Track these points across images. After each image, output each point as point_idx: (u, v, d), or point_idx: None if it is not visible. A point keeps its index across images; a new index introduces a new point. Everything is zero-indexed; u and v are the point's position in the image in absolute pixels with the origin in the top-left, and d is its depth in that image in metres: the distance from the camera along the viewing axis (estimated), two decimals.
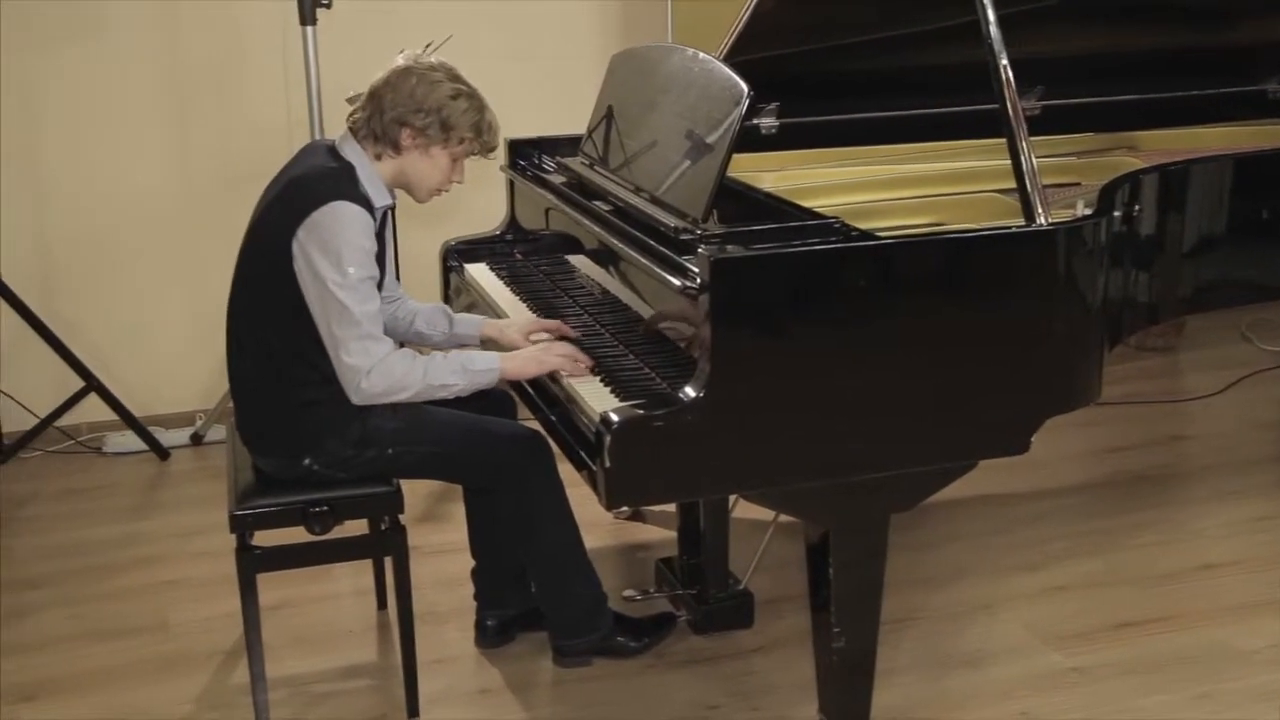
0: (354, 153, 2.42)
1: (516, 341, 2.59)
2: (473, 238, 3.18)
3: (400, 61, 2.42)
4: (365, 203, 2.36)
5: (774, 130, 2.93)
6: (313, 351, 2.36)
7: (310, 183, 2.36)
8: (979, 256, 2.19)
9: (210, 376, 3.95)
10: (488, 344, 2.67)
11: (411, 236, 3.83)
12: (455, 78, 2.42)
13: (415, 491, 3.35)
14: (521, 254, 3.12)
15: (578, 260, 2.75)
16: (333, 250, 2.29)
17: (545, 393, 2.46)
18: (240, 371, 2.48)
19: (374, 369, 2.31)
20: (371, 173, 2.42)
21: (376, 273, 2.36)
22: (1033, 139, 2.30)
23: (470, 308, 3.02)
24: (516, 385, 2.58)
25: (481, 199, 3.63)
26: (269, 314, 2.40)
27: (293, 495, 2.43)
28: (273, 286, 2.36)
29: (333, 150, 2.44)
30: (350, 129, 2.45)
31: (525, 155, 3.12)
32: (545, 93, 3.99)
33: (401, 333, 2.67)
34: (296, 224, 2.31)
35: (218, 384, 3.87)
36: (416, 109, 2.37)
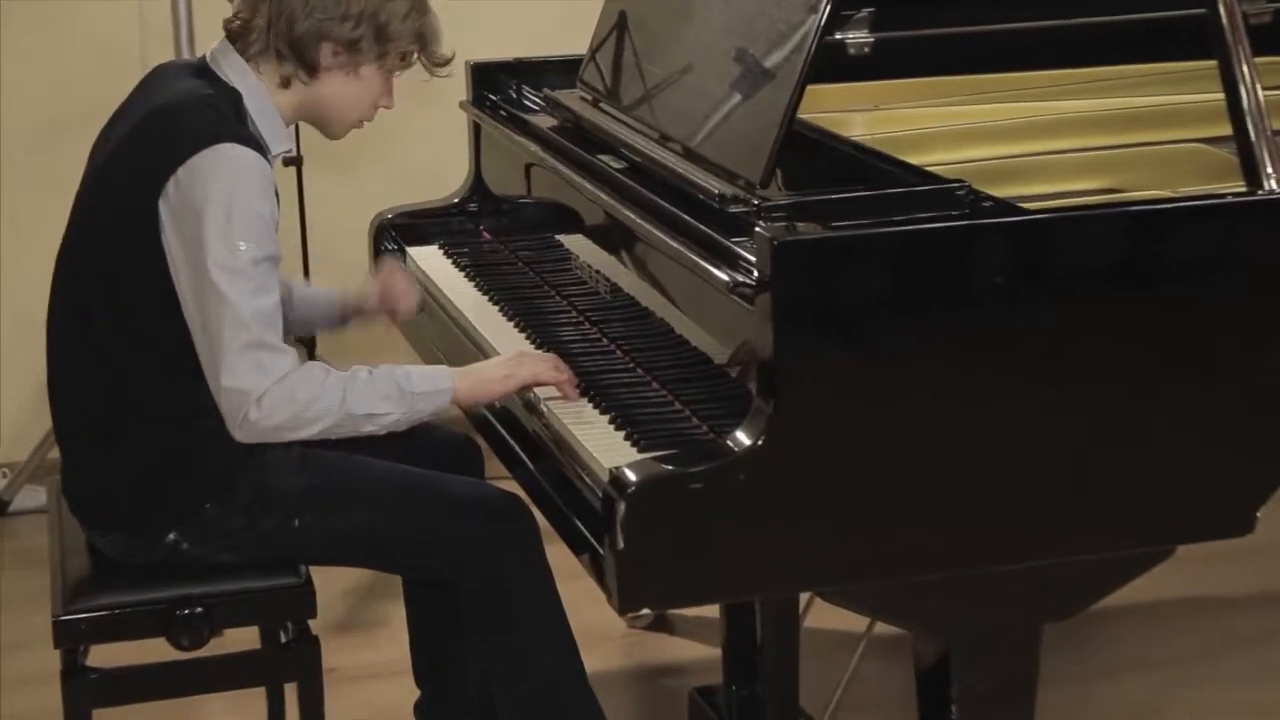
0: (239, 73, 2.43)
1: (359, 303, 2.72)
2: (419, 207, 3.19)
3: None
4: (258, 148, 2.37)
5: (867, 50, 2.92)
6: (181, 369, 2.37)
7: (182, 116, 2.37)
8: (1176, 239, 2.19)
9: (22, 414, 3.96)
10: (354, 323, 2.79)
11: (320, 193, 3.82)
12: None
13: (330, 585, 3.34)
14: (491, 232, 3.12)
15: (574, 242, 2.76)
16: (217, 214, 2.30)
17: (527, 437, 2.46)
18: (69, 402, 2.48)
19: (268, 393, 2.32)
20: (266, 105, 2.43)
21: (277, 251, 2.37)
22: (1260, 61, 2.29)
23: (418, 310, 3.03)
24: (484, 426, 2.57)
25: (429, 144, 3.65)
26: (115, 314, 2.40)
27: (149, 590, 2.43)
28: (123, 271, 2.37)
29: (204, 70, 2.45)
30: (228, 38, 2.45)
31: (497, 86, 3.13)
32: None
33: None
34: (165, 176, 2.32)
35: (33, 425, 3.87)
36: (343, 16, 2.39)
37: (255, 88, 2.43)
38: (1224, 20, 2.27)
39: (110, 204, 2.40)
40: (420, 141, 3.76)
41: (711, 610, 3.09)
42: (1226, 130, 2.31)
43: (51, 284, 2.49)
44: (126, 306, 2.39)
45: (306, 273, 3.86)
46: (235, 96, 2.41)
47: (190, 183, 2.31)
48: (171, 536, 2.44)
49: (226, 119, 2.36)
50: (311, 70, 2.42)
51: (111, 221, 2.39)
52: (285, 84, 2.44)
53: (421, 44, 2.45)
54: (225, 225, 2.30)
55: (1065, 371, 2.12)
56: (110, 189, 2.41)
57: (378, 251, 3.16)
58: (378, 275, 2.83)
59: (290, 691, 2.66)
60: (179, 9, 3.62)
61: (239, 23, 2.44)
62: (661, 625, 3.38)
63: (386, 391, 2.38)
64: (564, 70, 3.02)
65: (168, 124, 2.37)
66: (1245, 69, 2.27)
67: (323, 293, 2.83)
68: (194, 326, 2.34)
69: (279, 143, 2.45)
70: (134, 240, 2.35)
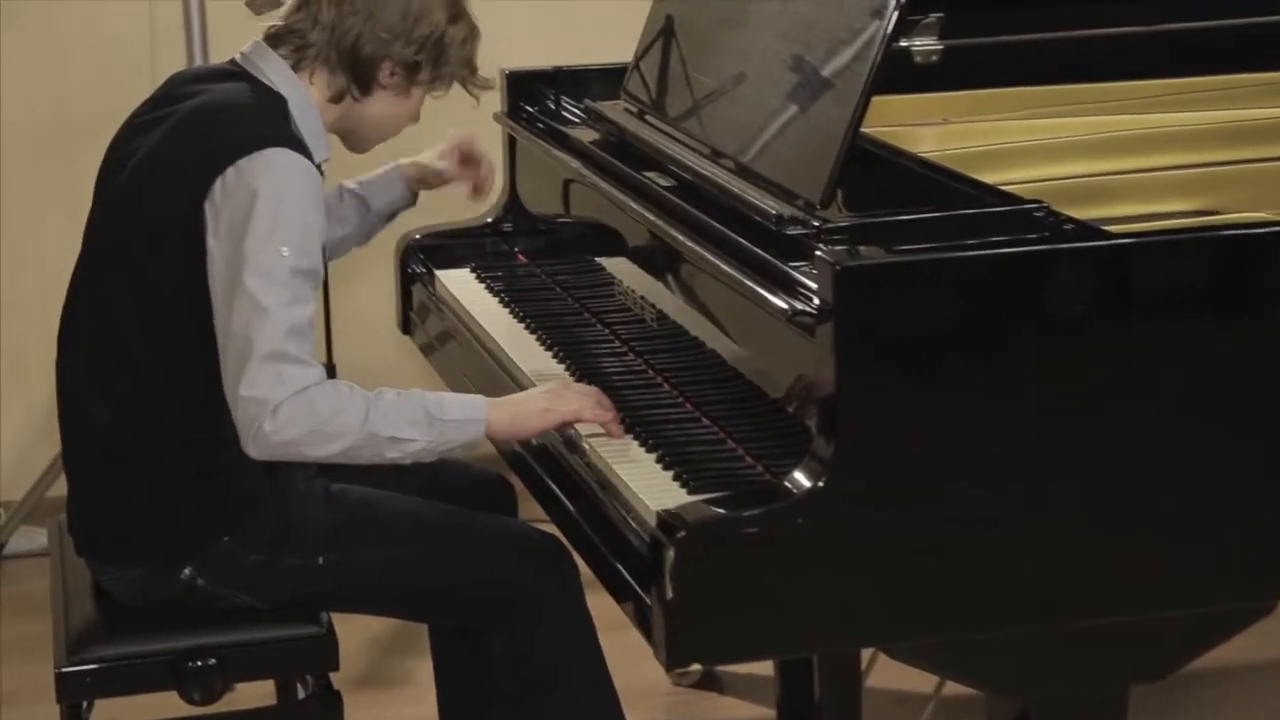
0: (285, 79, 2.48)
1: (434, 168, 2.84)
2: (449, 227, 3.19)
3: None
4: (308, 154, 2.41)
5: (935, 58, 2.92)
6: (211, 387, 2.37)
7: (229, 117, 2.41)
8: (1278, 265, 2.17)
9: (19, 446, 3.97)
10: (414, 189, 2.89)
11: None
12: None
13: (351, 634, 3.34)
14: (527, 255, 3.13)
15: (616, 266, 2.76)
16: (264, 217, 2.33)
17: (566, 475, 2.45)
18: (84, 419, 2.49)
19: (285, 404, 2.32)
20: (311, 113, 2.48)
21: (318, 267, 2.39)
22: None
23: (444, 338, 3.03)
24: (518, 463, 2.58)
25: None
26: (146, 323, 2.42)
27: (159, 639, 2.43)
28: (157, 277, 2.40)
29: (240, 73, 2.49)
30: (269, 41, 2.49)
31: (534, 96, 3.14)
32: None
33: None
34: (212, 176, 2.35)
35: (28, 462, 3.88)
36: (408, 38, 2.47)
37: (302, 95, 2.48)
38: None
39: (147, 207, 2.43)
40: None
41: (765, 667, 3.08)
42: None
43: (67, 297, 2.52)
44: (159, 315, 2.42)
45: (326, 292, 3.86)
46: (280, 101, 2.45)
47: (239, 184, 2.34)
48: (187, 572, 2.45)
49: (276, 123, 2.41)
50: (366, 88, 2.50)
51: (148, 225, 2.42)
52: (338, 98, 2.50)
53: (470, 68, 2.54)
54: (270, 228, 2.33)
55: (1154, 408, 2.11)
56: (147, 192, 2.43)
57: (405, 273, 3.17)
58: (451, 140, 2.90)
59: None
60: (191, 9, 3.64)
61: (288, 29, 2.48)
62: (711, 683, 3.36)
63: (414, 417, 2.38)
64: (606, 80, 3.02)
65: (214, 125, 2.41)
66: None
67: (379, 175, 2.88)
68: (221, 333, 2.36)
69: (320, 151, 2.49)
70: (173, 244, 2.38)
